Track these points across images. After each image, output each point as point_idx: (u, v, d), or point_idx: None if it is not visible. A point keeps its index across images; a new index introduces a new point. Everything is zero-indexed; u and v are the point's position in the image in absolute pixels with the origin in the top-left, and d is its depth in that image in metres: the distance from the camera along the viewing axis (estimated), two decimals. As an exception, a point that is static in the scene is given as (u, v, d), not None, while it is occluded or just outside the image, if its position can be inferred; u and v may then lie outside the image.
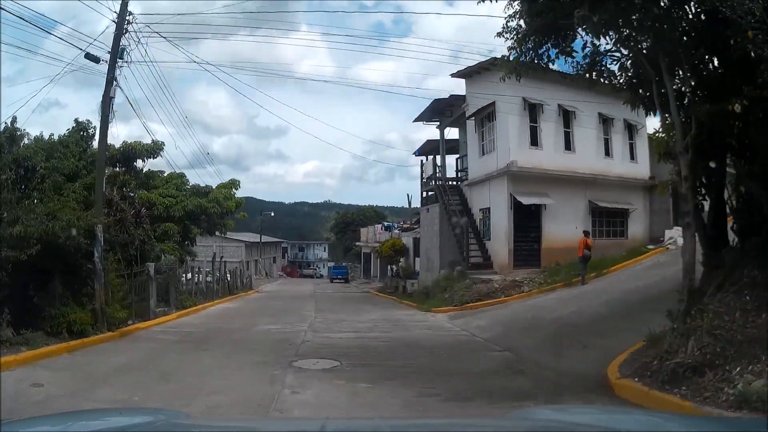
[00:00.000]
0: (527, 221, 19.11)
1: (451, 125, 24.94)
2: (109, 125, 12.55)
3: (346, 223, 61.09)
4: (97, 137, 14.45)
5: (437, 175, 23.68)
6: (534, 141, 19.53)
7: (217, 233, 35.22)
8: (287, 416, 5.17)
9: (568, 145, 20.79)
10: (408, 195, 36.70)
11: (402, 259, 31.29)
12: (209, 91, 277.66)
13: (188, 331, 12.30)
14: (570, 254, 19.17)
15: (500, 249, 18.84)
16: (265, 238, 67.00)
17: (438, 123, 25.13)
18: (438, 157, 24.28)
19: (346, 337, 11.03)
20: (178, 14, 34.69)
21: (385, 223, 41.86)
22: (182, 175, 25.27)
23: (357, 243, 51.86)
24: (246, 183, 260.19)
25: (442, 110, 23.77)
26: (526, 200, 18.37)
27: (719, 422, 3.07)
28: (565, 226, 20.11)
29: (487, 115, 20.40)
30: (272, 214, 63.81)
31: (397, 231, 39.57)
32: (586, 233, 17.47)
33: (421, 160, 26.97)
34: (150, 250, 21.04)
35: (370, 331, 12.30)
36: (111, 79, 12.20)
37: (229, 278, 29.85)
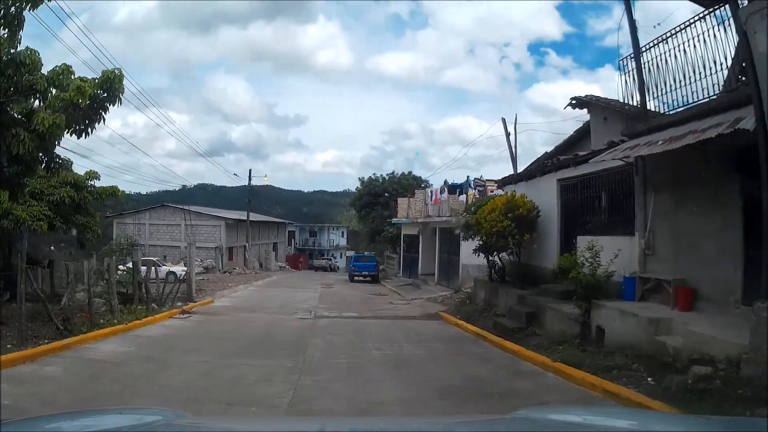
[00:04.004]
0: None
1: None
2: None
3: (374, 194, 42.30)
4: None
5: None
6: None
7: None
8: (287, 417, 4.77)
9: None
10: (504, 120, 17.41)
11: (527, 236, 12.31)
12: (228, 79, 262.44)
13: None
14: None
15: None
16: (259, 216, 48.67)
17: None
18: None
19: None
20: None
21: (450, 182, 23.06)
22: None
23: (392, 220, 33.23)
24: (265, 171, 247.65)
25: None
26: None
27: (719, 422, 2.63)
28: None
29: None
30: (266, 176, 45.64)
31: (473, 190, 20.96)
32: None
33: None
34: None
35: None
36: None
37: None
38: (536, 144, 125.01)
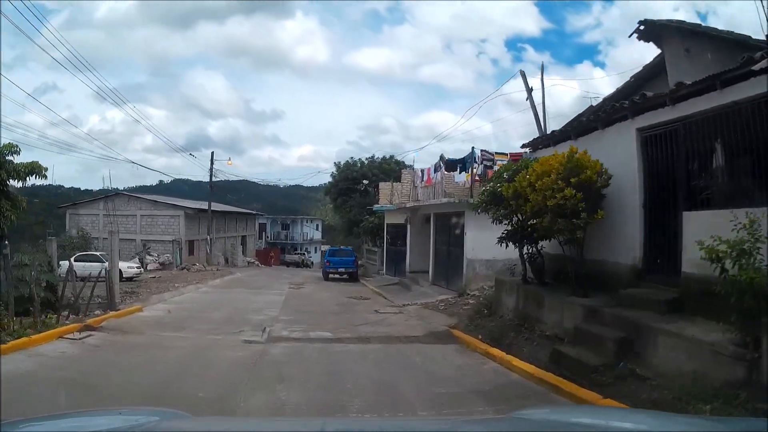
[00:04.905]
0: None
1: None
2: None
3: (352, 179, 37.67)
4: None
5: None
6: None
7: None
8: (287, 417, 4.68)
9: None
10: (523, 74, 12.94)
11: (600, 212, 7.85)
12: (206, 75, 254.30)
13: None
14: None
15: None
16: (224, 207, 43.65)
17: None
18: None
19: None
20: None
21: (448, 158, 18.63)
22: None
23: (373, 208, 28.74)
24: (241, 167, 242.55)
25: None
26: None
27: (719, 422, 2.62)
28: None
29: None
30: (229, 160, 40.73)
31: (479, 166, 16.76)
32: None
33: None
34: None
35: None
36: None
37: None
38: (513, 138, 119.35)
